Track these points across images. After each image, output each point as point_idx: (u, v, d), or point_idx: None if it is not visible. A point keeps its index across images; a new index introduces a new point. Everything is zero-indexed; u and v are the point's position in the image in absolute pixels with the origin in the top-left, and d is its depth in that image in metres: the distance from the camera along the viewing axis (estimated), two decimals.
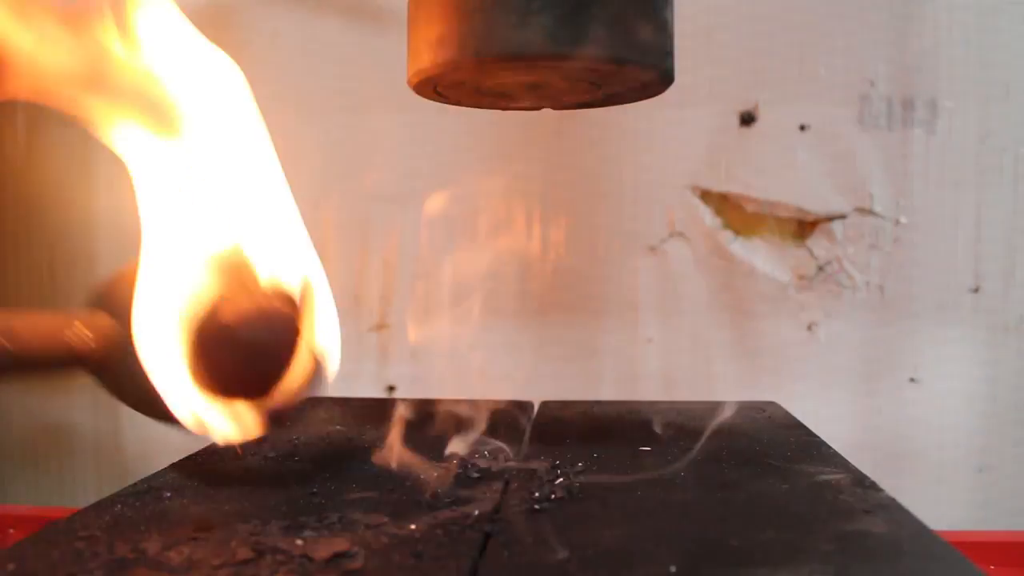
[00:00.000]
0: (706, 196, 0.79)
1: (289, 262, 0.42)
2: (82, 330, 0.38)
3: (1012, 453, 0.76)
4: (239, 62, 0.41)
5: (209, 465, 0.46)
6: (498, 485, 0.41)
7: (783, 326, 0.78)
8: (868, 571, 0.30)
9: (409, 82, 0.52)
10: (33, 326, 0.37)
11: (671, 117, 0.78)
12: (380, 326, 0.81)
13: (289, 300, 0.41)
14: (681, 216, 0.79)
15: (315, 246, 0.43)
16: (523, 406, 0.62)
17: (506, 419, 0.58)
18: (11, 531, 0.58)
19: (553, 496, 0.39)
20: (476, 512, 0.36)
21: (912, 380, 0.77)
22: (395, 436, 0.48)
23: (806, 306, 0.78)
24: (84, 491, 0.85)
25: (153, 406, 0.39)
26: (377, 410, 0.63)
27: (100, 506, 0.38)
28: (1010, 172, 0.76)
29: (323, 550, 0.32)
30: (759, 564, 0.30)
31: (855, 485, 0.40)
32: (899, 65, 0.77)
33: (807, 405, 0.75)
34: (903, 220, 0.77)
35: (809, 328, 0.78)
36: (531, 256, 0.80)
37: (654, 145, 0.79)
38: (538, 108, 0.61)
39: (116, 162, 0.39)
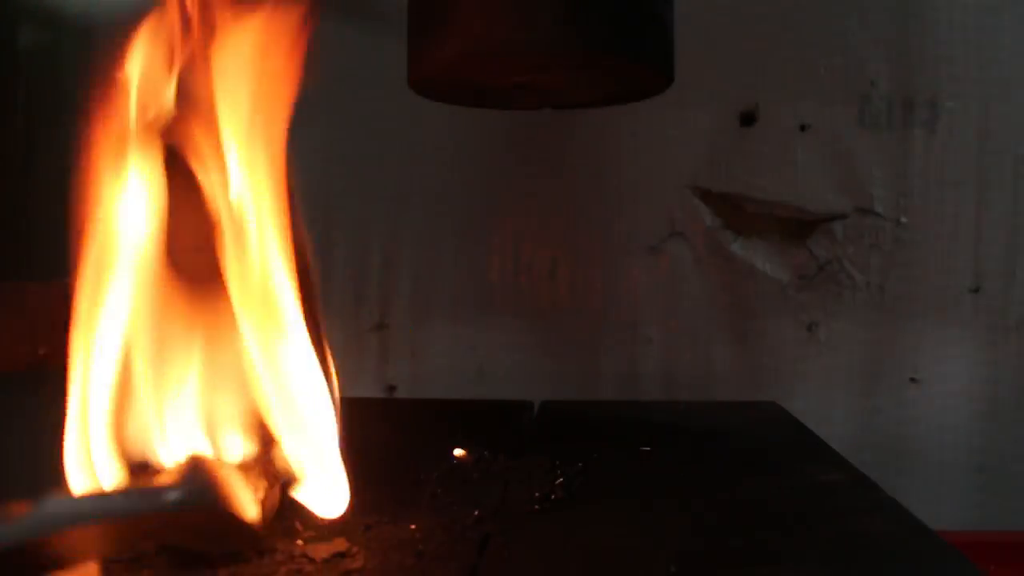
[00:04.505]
0: (706, 196, 0.79)
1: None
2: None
3: (1012, 453, 0.76)
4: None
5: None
6: (498, 485, 0.41)
7: (783, 326, 0.78)
8: (868, 571, 0.30)
9: (409, 82, 0.52)
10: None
11: (671, 117, 0.77)
12: (380, 326, 0.81)
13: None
14: (681, 216, 0.79)
15: (316, 246, 0.41)
16: (523, 406, 0.62)
17: (506, 419, 0.58)
18: None
19: (553, 496, 0.39)
20: (476, 512, 0.36)
21: (912, 380, 0.77)
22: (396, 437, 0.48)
23: (806, 306, 0.78)
24: None
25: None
26: (377, 410, 0.63)
27: None
28: (1010, 172, 0.76)
29: (323, 550, 0.32)
30: (759, 564, 0.30)
31: (855, 485, 0.40)
32: (899, 65, 0.77)
33: (807, 405, 0.76)
34: (903, 220, 0.77)
35: (809, 328, 0.78)
36: (531, 256, 0.80)
37: (654, 145, 0.78)
38: (538, 108, 0.61)
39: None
